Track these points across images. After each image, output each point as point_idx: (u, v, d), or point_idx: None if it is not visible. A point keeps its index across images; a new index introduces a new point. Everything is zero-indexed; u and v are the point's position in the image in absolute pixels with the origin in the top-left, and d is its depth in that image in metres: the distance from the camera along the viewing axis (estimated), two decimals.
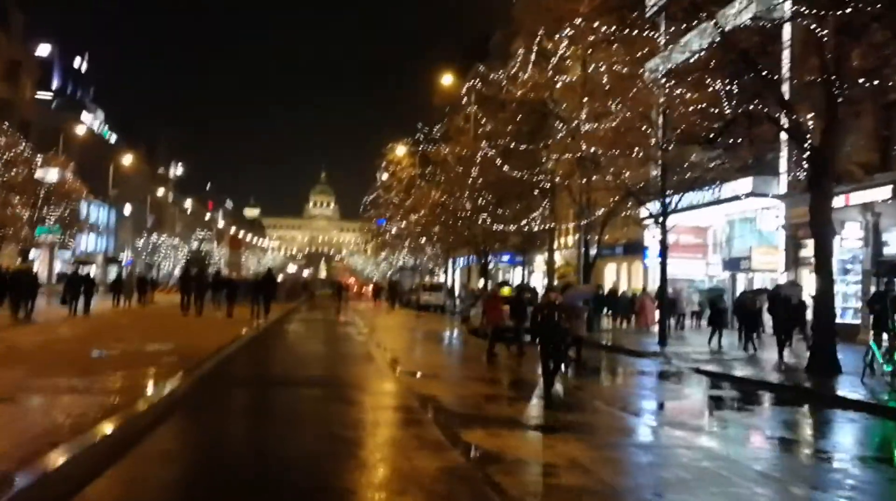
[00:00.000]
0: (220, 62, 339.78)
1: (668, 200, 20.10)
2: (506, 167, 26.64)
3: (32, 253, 55.87)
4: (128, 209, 79.51)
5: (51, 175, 47.25)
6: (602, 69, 21.92)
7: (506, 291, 26.04)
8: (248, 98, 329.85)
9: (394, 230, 60.68)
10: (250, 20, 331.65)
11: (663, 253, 20.75)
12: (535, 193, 28.20)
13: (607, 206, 23.70)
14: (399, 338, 22.53)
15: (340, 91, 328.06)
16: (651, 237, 33.36)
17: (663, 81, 19.14)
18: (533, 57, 24.34)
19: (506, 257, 48.85)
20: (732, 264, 28.76)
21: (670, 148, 19.57)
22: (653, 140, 20.44)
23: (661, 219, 20.34)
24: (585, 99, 21.37)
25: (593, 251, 25.34)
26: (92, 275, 48.60)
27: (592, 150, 21.50)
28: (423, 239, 51.74)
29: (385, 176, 68.65)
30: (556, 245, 45.03)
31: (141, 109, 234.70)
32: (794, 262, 24.39)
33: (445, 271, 57.67)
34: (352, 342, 19.65)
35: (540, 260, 48.77)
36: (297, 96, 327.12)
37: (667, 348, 19.44)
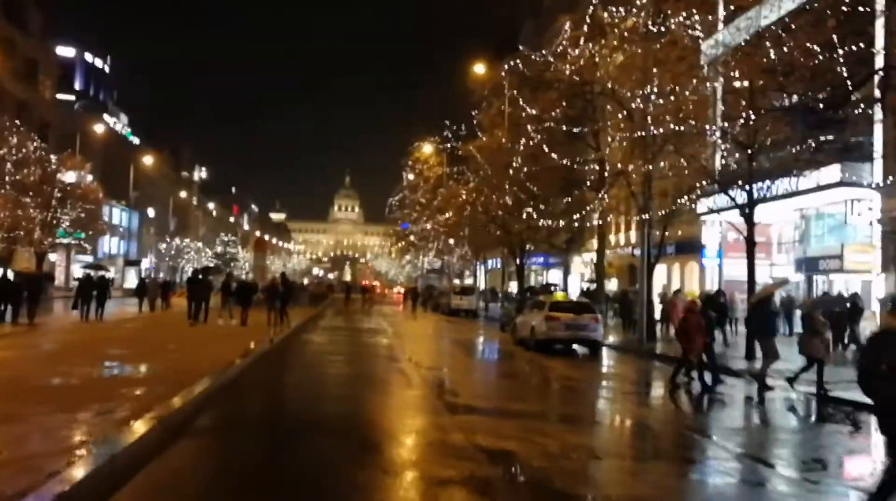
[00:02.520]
0: (246, 66, 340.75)
1: (755, 187, 16.84)
2: (553, 155, 23.44)
3: (51, 257, 54.26)
4: (151, 213, 77.90)
5: (67, 176, 45.31)
6: (668, 36, 18.80)
7: (559, 295, 23.05)
8: (273, 102, 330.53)
9: (420, 229, 57.90)
10: (276, 23, 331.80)
11: (750, 252, 17.49)
12: (587, 182, 24.98)
13: (675, 195, 20.42)
14: (437, 352, 19.42)
15: (366, 95, 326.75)
16: (710, 234, 30.09)
17: (748, 44, 15.91)
18: (586, 28, 21.24)
19: (539, 259, 45.77)
20: (809, 265, 25.31)
21: (753, 124, 16.24)
22: (718, 117, 17.34)
23: (746, 210, 17.08)
24: (655, 69, 18.16)
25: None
26: (111, 278, 47.07)
27: (659, 130, 18.34)
28: (452, 240, 48.86)
29: (411, 176, 66.04)
30: (596, 244, 41.87)
31: (165, 113, 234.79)
32: (893, 260, 20.98)
33: (475, 274, 54.73)
34: (382, 358, 16.64)
35: (578, 262, 45.54)
36: (322, 100, 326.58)
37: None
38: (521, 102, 25.65)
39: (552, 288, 30.52)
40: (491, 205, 32.09)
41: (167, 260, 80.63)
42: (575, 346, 19.04)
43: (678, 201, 20.02)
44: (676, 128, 17.12)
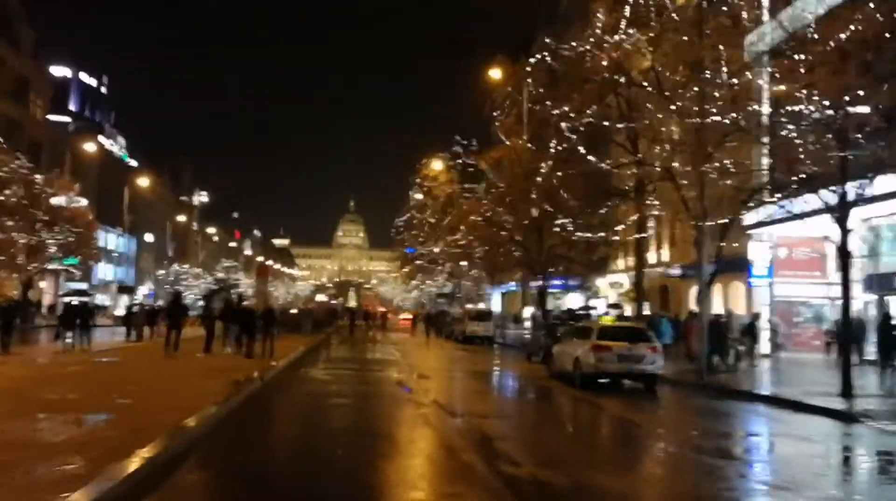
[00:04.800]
0: (250, 90, 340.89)
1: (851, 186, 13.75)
2: (591, 158, 20.44)
3: (42, 284, 51.37)
4: (150, 238, 75.19)
5: (56, 198, 42.65)
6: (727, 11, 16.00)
7: (607, 319, 20.00)
8: (277, 128, 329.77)
9: (429, 251, 54.89)
10: (279, 48, 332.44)
11: (844, 265, 14.32)
12: (623, 190, 21.96)
13: (732, 199, 17.33)
14: (465, 391, 15.84)
15: (370, 118, 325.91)
16: (759, 250, 26.96)
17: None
18: (627, 11, 18.42)
19: (557, 282, 42.67)
20: (883, 283, 22.14)
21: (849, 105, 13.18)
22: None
23: (839, 213, 13.97)
24: (721, 47, 15.22)
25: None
26: (96, 305, 44.09)
27: (725, 120, 15.38)
28: (465, 262, 45.78)
29: (419, 195, 63.33)
30: (622, 265, 38.78)
31: (165, 136, 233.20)
32: None
33: (490, 298, 51.68)
34: (400, 400, 13.39)
35: (604, 284, 42.33)
36: (326, 124, 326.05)
37: (857, 400, 13.09)
38: (547, 102, 22.73)
39: (594, 311, 27.19)
40: (510, 221, 29.09)
41: (166, 287, 77.78)
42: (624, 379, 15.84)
43: (748, 202, 16.89)
44: (748, 110, 14.06)
